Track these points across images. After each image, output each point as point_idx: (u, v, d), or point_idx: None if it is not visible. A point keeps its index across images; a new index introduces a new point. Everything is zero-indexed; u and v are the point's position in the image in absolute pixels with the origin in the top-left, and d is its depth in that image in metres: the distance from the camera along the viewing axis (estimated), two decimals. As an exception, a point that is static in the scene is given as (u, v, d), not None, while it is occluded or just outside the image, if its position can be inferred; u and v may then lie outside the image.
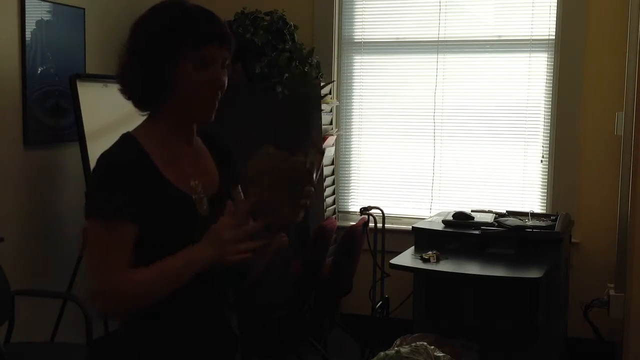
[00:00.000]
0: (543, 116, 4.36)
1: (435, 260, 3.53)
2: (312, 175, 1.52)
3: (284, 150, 1.53)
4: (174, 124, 1.64)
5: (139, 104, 1.65)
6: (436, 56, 4.50)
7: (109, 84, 3.70)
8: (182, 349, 1.64)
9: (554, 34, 4.27)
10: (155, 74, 1.58)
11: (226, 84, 1.63)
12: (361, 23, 4.67)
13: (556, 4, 4.25)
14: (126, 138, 1.63)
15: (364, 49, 4.67)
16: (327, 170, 4.45)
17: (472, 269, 3.57)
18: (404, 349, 2.03)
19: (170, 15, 1.60)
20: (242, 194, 1.70)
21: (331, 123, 4.58)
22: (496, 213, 4.00)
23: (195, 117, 1.65)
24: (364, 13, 4.66)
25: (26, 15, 3.58)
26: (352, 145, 4.72)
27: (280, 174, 1.51)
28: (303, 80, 4.18)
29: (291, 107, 4.17)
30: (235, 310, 1.77)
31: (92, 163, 3.53)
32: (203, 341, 1.67)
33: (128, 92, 1.64)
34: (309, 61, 4.30)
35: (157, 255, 1.53)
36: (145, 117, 1.67)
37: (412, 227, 3.93)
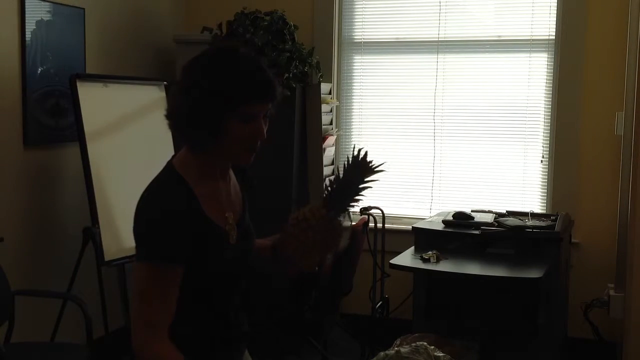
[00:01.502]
0: (543, 116, 4.36)
1: (435, 260, 3.53)
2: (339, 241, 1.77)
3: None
4: (213, 162, 1.69)
5: (180, 140, 1.68)
6: (436, 56, 4.50)
7: (109, 84, 3.69)
8: (197, 349, 1.68)
9: (554, 34, 4.27)
10: (199, 122, 1.60)
11: (265, 131, 1.66)
12: (361, 23, 4.67)
13: (556, 4, 4.25)
14: (176, 178, 1.65)
15: (364, 49, 4.67)
16: (327, 171, 4.45)
17: (472, 269, 3.58)
18: (404, 349, 2.03)
19: (226, 74, 1.60)
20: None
21: (331, 123, 4.57)
22: (496, 213, 4.00)
23: (234, 160, 1.72)
24: (364, 13, 4.66)
25: (26, 15, 3.57)
26: (352, 146, 4.72)
27: (323, 232, 1.71)
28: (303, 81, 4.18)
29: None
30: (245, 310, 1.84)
31: (93, 163, 3.54)
32: (218, 342, 1.74)
33: (172, 126, 1.68)
34: (309, 61, 4.30)
35: (190, 284, 1.61)
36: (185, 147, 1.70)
37: (412, 227, 3.94)
